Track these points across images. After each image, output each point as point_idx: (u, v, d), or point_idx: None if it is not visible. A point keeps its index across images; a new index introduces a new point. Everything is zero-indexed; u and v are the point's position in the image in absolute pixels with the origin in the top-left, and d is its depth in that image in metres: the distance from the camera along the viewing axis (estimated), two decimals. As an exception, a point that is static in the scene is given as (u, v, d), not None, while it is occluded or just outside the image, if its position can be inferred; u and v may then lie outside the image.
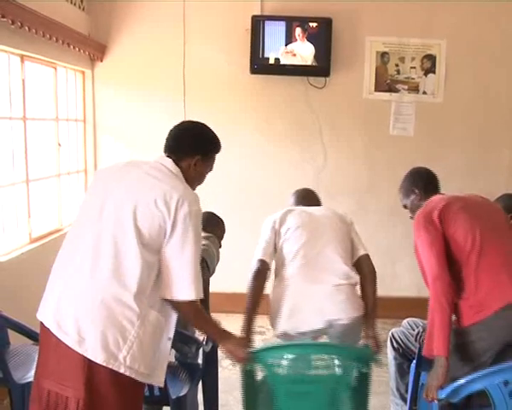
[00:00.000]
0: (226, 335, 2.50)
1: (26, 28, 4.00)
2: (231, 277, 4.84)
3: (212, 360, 3.12)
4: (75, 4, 5.19)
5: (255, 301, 2.90)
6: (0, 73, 4.13)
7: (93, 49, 5.36)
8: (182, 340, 2.88)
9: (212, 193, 5.73)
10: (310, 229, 3.07)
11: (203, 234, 3.02)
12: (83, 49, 5.10)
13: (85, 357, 2.14)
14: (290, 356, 2.56)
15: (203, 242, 3.11)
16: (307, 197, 3.62)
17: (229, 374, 3.65)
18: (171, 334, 2.42)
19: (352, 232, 3.25)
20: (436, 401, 2.49)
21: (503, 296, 2.56)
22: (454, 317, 2.67)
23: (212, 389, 3.18)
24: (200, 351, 3.08)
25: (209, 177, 5.79)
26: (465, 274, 2.66)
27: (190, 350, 2.96)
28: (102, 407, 2.20)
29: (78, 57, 5.23)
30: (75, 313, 2.18)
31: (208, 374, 3.15)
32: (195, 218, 2.33)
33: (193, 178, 2.56)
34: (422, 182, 3.04)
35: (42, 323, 2.27)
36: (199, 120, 2.76)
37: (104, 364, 2.15)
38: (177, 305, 2.32)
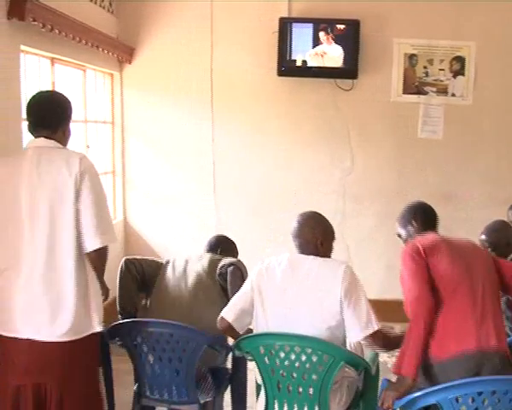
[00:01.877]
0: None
1: (56, 31, 4.03)
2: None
3: (240, 364, 3.13)
4: (104, 7, 5.23)
5: None
6: (30, 75, 4.18)
7: (121, 51, 5.39)
8: (211, 345, 2.88)
9: (240, 196, 5.77)
10: None
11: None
12: (111, 51, 5.14)
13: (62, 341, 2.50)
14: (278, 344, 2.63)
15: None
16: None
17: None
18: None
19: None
20: None
21: (462, 343, 2.53)
22: None
23: (240, 393, 3.19)
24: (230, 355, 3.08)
25: (237, 179, 5.83)
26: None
27: (220, 355, 2.96)
28: (79, 377, 2.58)
29: (107, 60, 5.27)
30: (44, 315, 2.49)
31: (236, 378, 3.17)
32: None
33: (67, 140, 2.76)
34: (423, 217, 2.95)
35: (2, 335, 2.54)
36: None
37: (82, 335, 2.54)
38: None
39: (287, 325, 2.68)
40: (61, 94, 2.88)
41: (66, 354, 2.54)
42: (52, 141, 2.61)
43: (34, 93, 2.80)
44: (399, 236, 3.02)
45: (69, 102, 2.79)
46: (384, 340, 2.70)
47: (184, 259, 3.29)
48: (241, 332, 2.82)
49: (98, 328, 2.61)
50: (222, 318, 2.82)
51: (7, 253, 2.54)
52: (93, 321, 2.58)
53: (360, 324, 2.64)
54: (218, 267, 3.18)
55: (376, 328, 2.64)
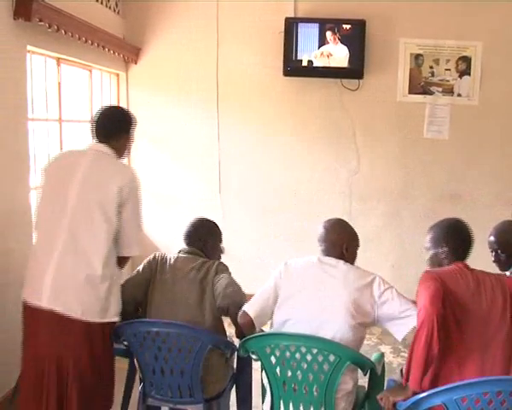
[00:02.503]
0: None
1: (63, 32, 4.05)
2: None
3: (245, 363, 3.12)
4: (110, 8, 5.25)
5: None
6: (37, 75, 4.19)
7: (127, 51, 5.41)
8: (216, 345, 2.89)
9: (246, 195, 5.77)
10: None
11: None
12: (117, 51, 5.15)
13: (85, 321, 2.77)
14: (284, 344, 2.63)
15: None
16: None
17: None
18: None
19: None
20: None
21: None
22: None
23: (246, 393, 3.19)
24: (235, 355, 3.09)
25: (242, 179, 5.84)
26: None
27: (225, 354, 2.96)
28: (98, 356, 2.84)
29: (113, 60, 5.29)
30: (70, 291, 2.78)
31: (242, 378, 3.17)
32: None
33: (123, 153, 3.10)
34: (456, 244, 2.78)
35: (27, 302, 2.85)
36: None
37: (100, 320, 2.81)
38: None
39: (316, 322, 2.69)
40: (125, 110, 3.31)
41: (84, 334, 2.80)
42: (111, 150, 2.98)
43: (104, 106, 3.27)
44: (427, 249, 2.90)
45: (132, 119, 3.14)
46: None
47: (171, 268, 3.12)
48: (257, 330, 2.84)
49: (115, 318, 2.90)
50: (244, 312, 2.83)
51: (45, 235, 2.88)
52: (112, 311, 2.88)
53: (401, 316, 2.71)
54: (217, 302, 3.01)
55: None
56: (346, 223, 3.02)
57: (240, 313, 2.85)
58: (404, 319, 2.69)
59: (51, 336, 2.80)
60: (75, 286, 2.78)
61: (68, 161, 2.98)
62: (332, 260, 2.84)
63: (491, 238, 3.56)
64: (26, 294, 2.88)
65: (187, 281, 3.03)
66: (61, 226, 2.82)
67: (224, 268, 3.12)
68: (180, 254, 3.19)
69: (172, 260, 3.13)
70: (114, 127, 3.04)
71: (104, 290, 2.82)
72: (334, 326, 2.66)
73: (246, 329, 2.85)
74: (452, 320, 2.51)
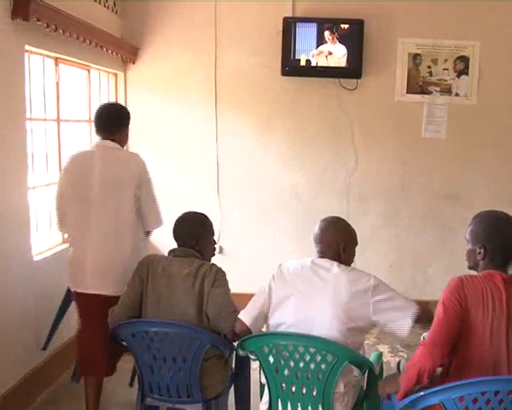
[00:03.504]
0: None
1: (61, 31, 4.04)
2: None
3: (244, 363, 3.13)
4: (108, 7, 5.24)
5: None
6: (35, 75, 4.19)
7: (126, 51, 5.40)
8: (215, 344, 2.88)
9: (244, 196, 5.78)
10: None
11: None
12: (116, 51, 5.15)
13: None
14: (282, 343, 2.63)
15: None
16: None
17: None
18: None
19: None
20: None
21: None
22: None
23: (244, 392, 3.19)
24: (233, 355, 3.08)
25: (241, 179, 5.85)
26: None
27: (224, 354, 2.96)
28: None
29: (111, 60, 5.28)
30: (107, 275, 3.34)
31: (240, 378, 3.17)
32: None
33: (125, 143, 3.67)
34: (496, 249, 2.50)
35: (76, 291, 3.44)
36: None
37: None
38: None
39: (306, 326, 2.68)
40: (120, 105, 3.83)
41: None
42: (116, 143, 3.49)
43: (101, 104, 3.76)
44: (467, 241, 2.62)
45: (127, 112, 3.68)
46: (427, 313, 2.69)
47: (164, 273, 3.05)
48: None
49: None
50: (240, 321, 2.83)
51: (77, 226, 3.40)
52: None
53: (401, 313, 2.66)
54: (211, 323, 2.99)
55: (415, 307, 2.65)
56: (343, 221, 2.95)
57: (236, 321, 2.85)
58: (402, 313, 2.66)
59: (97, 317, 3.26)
60: (111, 271, 3.33)
61: (83, 161, 3.45)
62: (326, 263, 2.79)
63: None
64: (73, 285, 3.46)
65: (184, 291, 2.95)
66: (90, 221, 3.34)
67: (221, 278, 3.02)
68: (173, 257, 3.09)
69: (166, 264, 3.04)
70: (116, 123, 3.55)
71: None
72: (323, 331, 2.64)
73: (242, 336, 2.84)
74: (470, 337, 2.43)
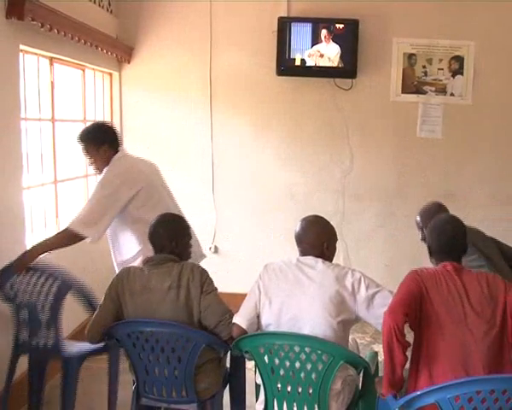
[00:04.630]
0: None
1: (55, 31, 4.03)
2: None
3: (239, 363, 3.13)
4: (103, 7, 5.23)
5: None
6: (29, 75, 4.18)
7: (121, 51, 5.39)
8: (210, 344, 2.88)
9: (239, 196, 5.77)
10: None
11: None
12: (110, 51, 5.14)
13: None
14: (278, 343, 2.63)
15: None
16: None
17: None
18: None
19: None
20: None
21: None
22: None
23: (239, 392, 3.19)
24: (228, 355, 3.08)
25: (236, 179, 5.85)
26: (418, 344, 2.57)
27: (218, 354, 2.96)
28: None
29: (106, 59, 5.27)
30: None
31: (235, 377, 3.16)
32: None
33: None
34: (440, 244, 2.73)
35: None
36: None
37: None
38: None
39: (296, 323, 2.69)
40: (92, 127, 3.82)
41: None
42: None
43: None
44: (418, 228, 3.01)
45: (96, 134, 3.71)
46: None
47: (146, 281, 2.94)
48: None
49: None
50: (236, 325, 2.82)
51: None
52: None
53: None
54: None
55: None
56: (324, 220, 2.99)
57: (231, 326, 2.83)
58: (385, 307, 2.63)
59: None
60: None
61: None
62: (311, 260, 2.83)
63: (417, 218, 3.71)
64: None
65: (169, 305, 2.86)
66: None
67: (206, 280, 2.92)
68: (150, 267, 2.95)
69: (144, 279, 2.91)
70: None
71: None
72: (312, 328, 2.65)
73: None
74: (432, 323, 2.51)
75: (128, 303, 2.91)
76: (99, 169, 3.68)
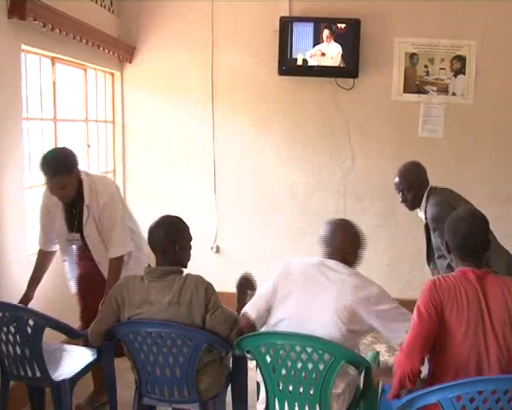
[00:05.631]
0: None
1: (57, 31, 4.04)
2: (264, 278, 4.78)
3: (241, 363, 3.13)
4: (105, 7, 5.24)
5: None
6: (31, 74, 4.18)
7: (122, 51, 5.40)
8: (212, 344, 2.88)
9: (241, 195, 5.77)
10: None
11: None
12: (112, 51, 5.14)
13: None
14: (279, 343, 2.62)
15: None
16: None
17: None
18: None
19: None
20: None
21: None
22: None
23: (241, 393, 3.19)
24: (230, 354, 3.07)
25: (237, 179, 5.83)
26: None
27: (220, 354, 2.96)
28: None
29: (108, 59, 5.28)
30: None
31: (237, 378, 3.16)
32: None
33: None
34: (462, 250, 2.55)
35: None
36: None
37: None
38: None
39: (306, 324, 2.68)
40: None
41: None
42: None
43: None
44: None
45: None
46: None
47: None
48: (260, 330, 2.84)
49: None
50: (245, 315, 2.84)
51: None
52: None
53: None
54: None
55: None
56: (350, 225, 2.95)
57: (240, 315, 2.86)
58: (399, 325, 2.67)
59: None
60: None
61: None
62: (333, 264, 2.80)
63: (396, 179, 3.75)
64: None
65: (168, 315, 2.83)
66: None
67: (210, 297, 2.85)
68: (150, 281, 2.89)
69: (144, 291, 2.88)
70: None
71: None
72: (322, 330, 2.64)
73: (246, 330, 2.84)
74: (448, 342, 2.44)
75: (126, 313, 2.91)
76: (70, 196, 3.47)
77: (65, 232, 3.59)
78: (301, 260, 2.88)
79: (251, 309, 2.85)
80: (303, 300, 2.74)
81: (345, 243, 2.85)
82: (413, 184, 3.87)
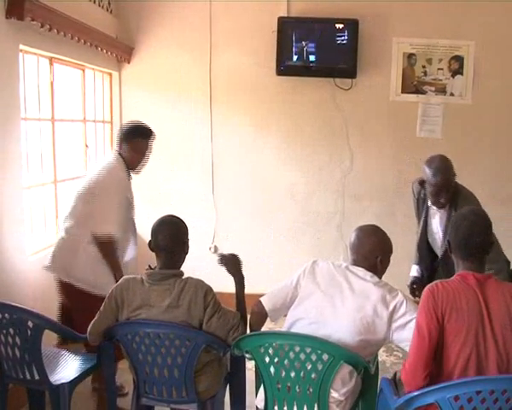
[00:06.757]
0: None
1: (55, 31, 4.03)
2: (264, 278, 4.77)
3: (239, 363, 3.13)
4: (103, 7, 5.23)
5: None
6: (29, 75, 4.18)
7: (120, 51, 5.39)
8: (210, 344, 2.88)
9: (239, 196, 5.77)
10: None
11: None
12: (110, 51, 5.14)
13: None
14: (278, 343, 2.62)
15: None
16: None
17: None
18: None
19: None
20: None
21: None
22: None
23: (240, 392, 3.18)
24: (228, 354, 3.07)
25: (236, 179, 5.82)
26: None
27: (218, 354, 2.96)
28: None
29: (106, 59, 5.27)
30: None
31: (235, 378, 3.16)
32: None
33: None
34: (462, 249, 2.50)
35: None
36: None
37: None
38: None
39: (320, 327, 2.67)
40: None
41: None
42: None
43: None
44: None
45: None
46: None
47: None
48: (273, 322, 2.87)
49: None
50: (260, 305, 2.85)
51: None
52: None
53: None
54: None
55: None
56: (381, 231, 2.88)
57: (256, 303, 2.86)
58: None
59: None
60: None
61: None
62: (360, 272, 2.76)
63: (439, 179, 3.60)
64: None
65: (167, 317, 2.82)
66: None
67: (210, 301, 2.83)
68: (151, 283, 2.87)
69: (144, 295, 2.86)
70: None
71: None
72: (338, 335, 2.63)
73: (256, 318, 2.87)
74: (447, 347, 2.41)
75: (124, 314, 2.90)
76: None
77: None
78: (328, 264, 2.83)
79: (268, 300, 2.86)
80: (323, 303, 2.71)
81: (375, 252, 2.79)
82: (454, 180, 3.71)
